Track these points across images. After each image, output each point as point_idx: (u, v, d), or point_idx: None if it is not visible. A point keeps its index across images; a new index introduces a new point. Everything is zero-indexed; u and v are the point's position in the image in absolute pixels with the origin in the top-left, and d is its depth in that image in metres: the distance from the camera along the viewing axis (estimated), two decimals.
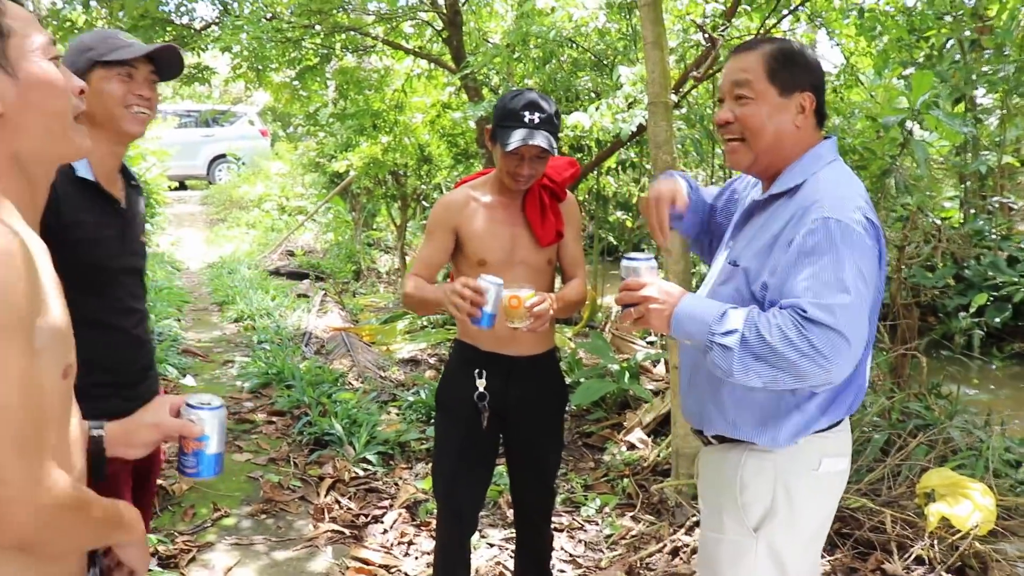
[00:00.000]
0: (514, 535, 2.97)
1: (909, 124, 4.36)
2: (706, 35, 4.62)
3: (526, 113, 2.46)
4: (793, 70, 1.87)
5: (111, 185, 2.09)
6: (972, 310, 6.72)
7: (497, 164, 2.58)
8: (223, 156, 17.51)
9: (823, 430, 1.88)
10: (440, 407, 2.76)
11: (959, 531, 3.25)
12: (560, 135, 5.25)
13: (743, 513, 1.90)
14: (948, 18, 6.25)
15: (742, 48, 1.94)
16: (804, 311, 1.64)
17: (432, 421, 4.94)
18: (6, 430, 1.05)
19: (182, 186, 17.71)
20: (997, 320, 7.18)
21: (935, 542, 3.27)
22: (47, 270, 1.16)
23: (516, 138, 2.45)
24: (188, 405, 1.48)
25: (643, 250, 9.04)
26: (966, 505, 3.36)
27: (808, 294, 1.66)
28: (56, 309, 1.16)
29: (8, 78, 1.16)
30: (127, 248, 2.12)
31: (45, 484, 1.10)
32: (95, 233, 1.99)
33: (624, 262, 1.88)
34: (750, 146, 1.89)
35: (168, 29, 6.71)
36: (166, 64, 2.13)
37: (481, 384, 2.60)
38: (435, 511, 2.92)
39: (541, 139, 2.45)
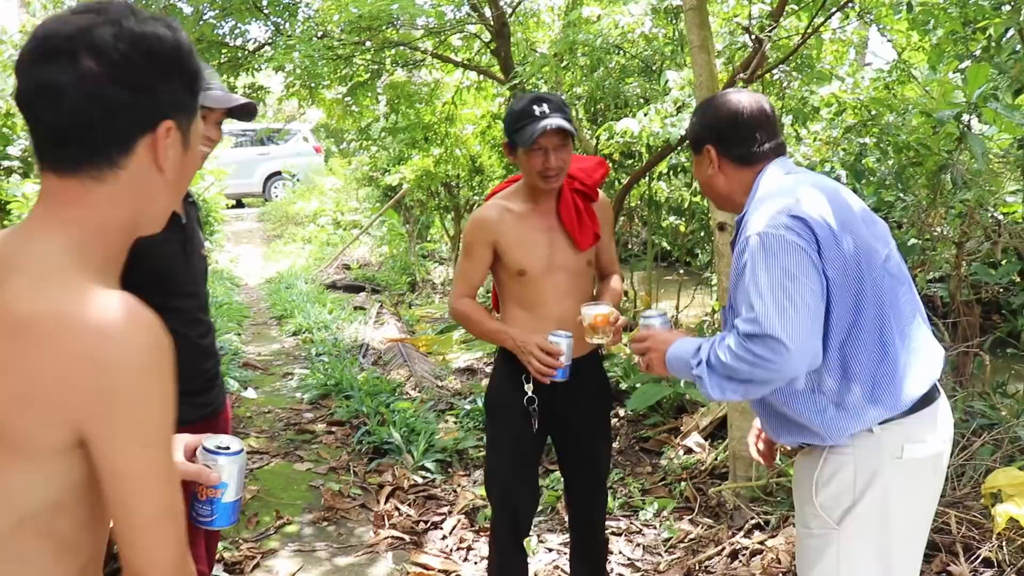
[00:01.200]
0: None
1: (966, 118, 4.29)
2: (753, 36, 4.60)
3: (534, 107, 2.51)
4: (693, 130, 2.16)
5: None
6: None
7: (525, 171, 2.59)
8: (278, 173, 17.82)
9: (894, 418, 1.89)
10: (490, 412, 2.80)
11: None
12: (609, 140, 5.27)
13: (822, 511, 1.95)
14: (1006, 7, 6.11)
15: None
16: (738, 328, 1.82)
17: None
18: (179, 534, 1.09)
19: (239, 204, 18.04)
20: None
21: (1003, 544, 3.20)
22: None
23: (534, 130, 2.47)
24: (205, 449, 1.37)
25: (697, 256, 8.99)
26: None
27: (741, 310, 1.85)
28: None
29: (183, 149, 1.19)
30: (190, 261, 2.19)
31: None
32: (160, 247, 2.06)
33: (640, 320, 2.22)
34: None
35: (223, 51, 6.88)
36: (243, 113, 2.20)
37: (529, 388, 2.63)
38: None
39: (557, 120, 2.47)
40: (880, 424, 1.89)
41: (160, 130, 1.12)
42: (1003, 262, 7.11)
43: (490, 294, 2.98)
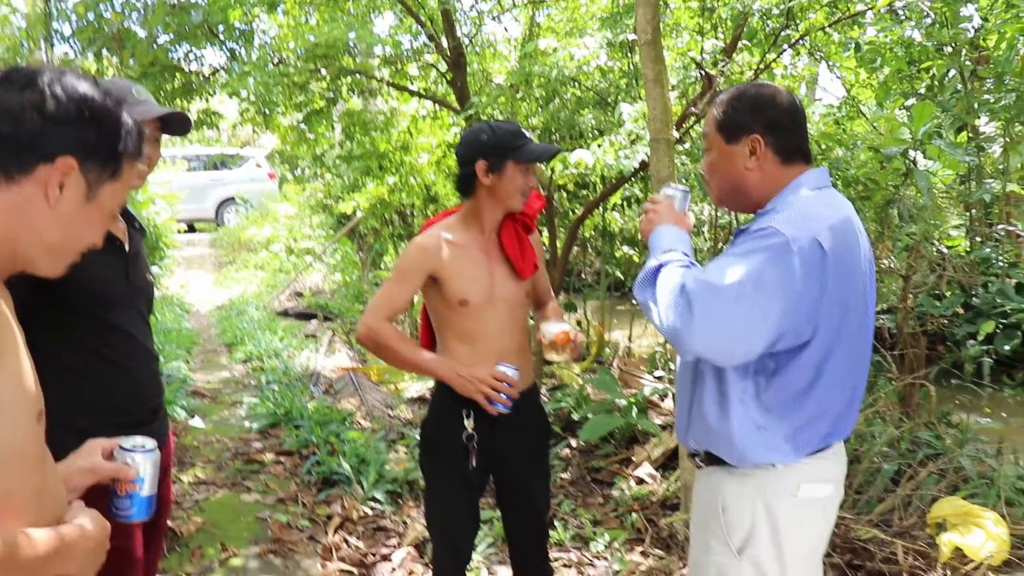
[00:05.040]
0: None
1: (912, 154, 4.39)
2: (703, 72, 4.67)
3: (524, 132, 2.60)
4: (736, 115, 1.97)
5: (112, 226, 2.12)
6: (980, 338, 6.70)
7: (504, 191, 2.56)
8: (231, 199, 17.65)
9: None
10: (428, 449, 2.72)
11: (972, 561, 3.22)
12: (564, 171, 5.30)
13: (726, 534, 1.95)
14: (948, 48, 6.30)
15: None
16: (693, 275, 1.82)
17: None
18: None
19: (191, 229, 17.84)
20: (1007, 348, 7.15)
21: (948, 572, 3.24)
22: (4, 321, 1.19)
23: (543, 149, 2.60)
24: (122, 448, 1.51)
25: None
26: (979, 535, 3.33)
27: (711, 266, 1.84)
28: (15, 361, 1.19)
29: (84, 197, 1.24)
30: (132, 287, 2.14)
31: None
32: (100, 272, 2.01)
33: (664, 188, 2.15)
34: (712, 190, 2.08)
35: (177, 75, 6.81)
36: (174, 122, 2.17)
37: (469, 425, 2.59)
38: None
39: (556, 149, 2.67)
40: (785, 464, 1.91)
41: (59, 164, 1.20)
42: (947, 294, 7.29)
43: (418, 331, 2.92)
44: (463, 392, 2.53)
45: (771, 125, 1.94)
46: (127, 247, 2.15)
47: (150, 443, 1.53)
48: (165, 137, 2.26)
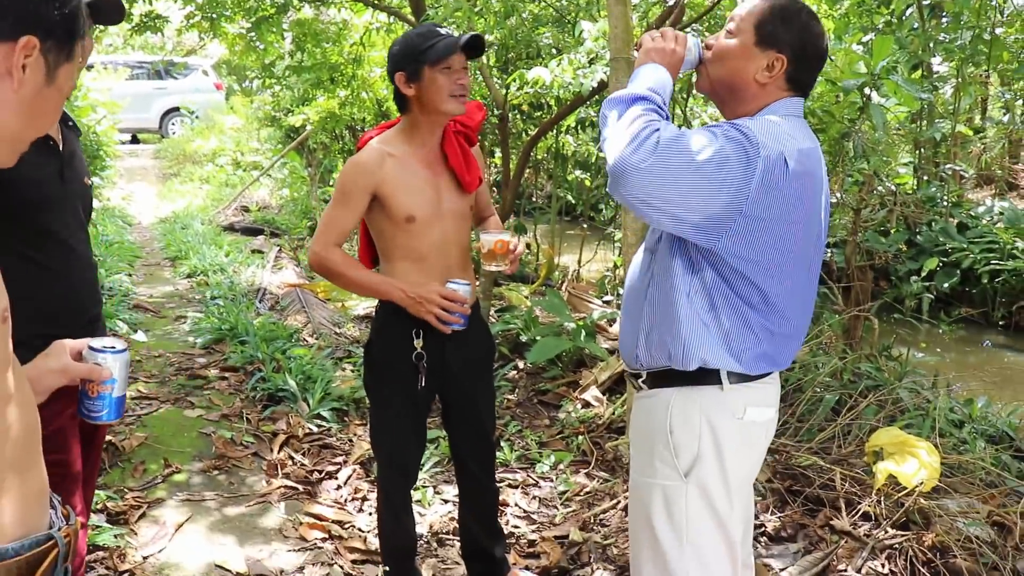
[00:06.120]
0: None
1: (867, 89, 4.39)
2: None
3: (439, 29, 2.46)
4: (780, 28, 1.90)
5: None
6: (923, 275, 6.84)
7: (429, 97, 2.46)
8: (176, 109, 17.17)
9: (746, 378, 1.93)
10: (375, 369, 2.68)
11: (905, 488, 3.32)
12: (519, 90, 5.20)
13: (674, 457, 1.95)
14: None
15: None
16: (669, 130, 1.79)
17: None
18: None
19: (134, 139, 17.34)
20: (946, 285, 7.33)
21: (882, 499, 3.34)
22: None
23: (452, 41, 2.41)
24: (91, 349, 1.48)
25: (600, 211, 9.03)
26: (912, 463, 3.43)
27: (684, 131, 1.82)
28: None
29: (44, 79, 1.17)
30: (68, 189, 2.03)
31: None
32: (34, 173, 1.90)
33: (692, 35, 2.08)
34: (708, 72, 2.00)
35: None
36: (105, 9, 2.01)
37: (419, 344, 2.56)
38: None
39: (468, 36, 2.44)
40: (731, 383, 1.92)
41: (22, 42, 1.12)
42: (894, 231, 7.41)
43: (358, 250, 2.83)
44: (415, 313, 2.48)
45: (800, 55, 1.90)
46: (61, 147, 2.03)
47: (120, 343, 1.50)
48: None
